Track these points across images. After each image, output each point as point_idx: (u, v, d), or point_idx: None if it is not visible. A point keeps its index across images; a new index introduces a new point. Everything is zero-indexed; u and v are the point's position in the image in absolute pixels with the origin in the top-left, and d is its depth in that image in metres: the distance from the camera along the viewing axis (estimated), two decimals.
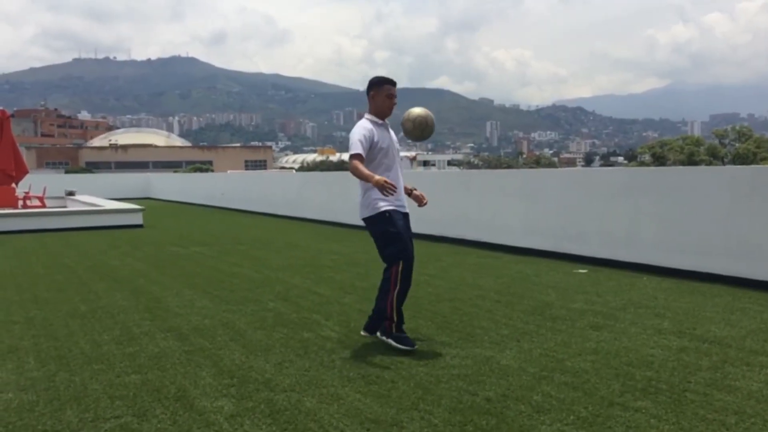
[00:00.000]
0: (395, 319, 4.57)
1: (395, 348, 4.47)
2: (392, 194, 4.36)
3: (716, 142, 60.02)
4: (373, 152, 4.58)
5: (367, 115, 4.75)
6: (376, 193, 4.50)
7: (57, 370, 4.18)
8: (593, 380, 3.80)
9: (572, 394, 3.57)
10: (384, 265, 4.62)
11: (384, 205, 4.54)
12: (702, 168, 10.93)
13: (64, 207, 19.06)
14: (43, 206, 18.49)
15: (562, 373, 3.94)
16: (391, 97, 4.72)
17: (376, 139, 4.59)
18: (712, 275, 6.86)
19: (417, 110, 4.69)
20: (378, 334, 4.68)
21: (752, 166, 24.95)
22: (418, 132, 4.66)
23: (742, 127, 62.50)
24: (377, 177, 4.32)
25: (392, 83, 4.75)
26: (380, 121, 4.72)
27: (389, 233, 4.54)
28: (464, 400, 3.50)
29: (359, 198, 4.72)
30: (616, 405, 3.41)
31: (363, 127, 4.61)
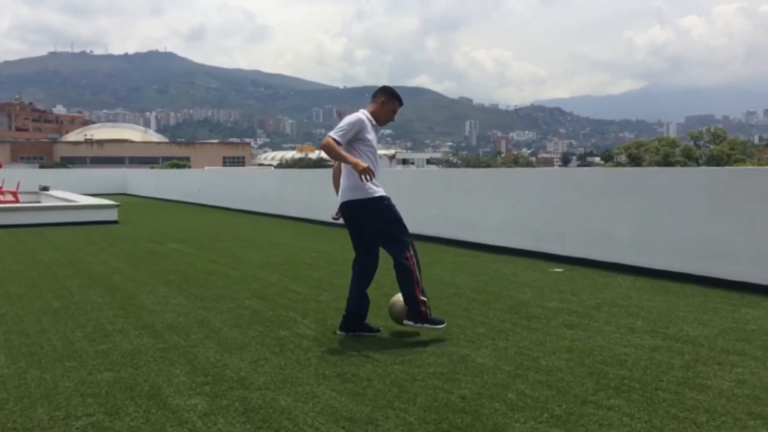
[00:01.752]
0: (427, 299, 4.63)
1: (433, 329, 4.58)
2: (369, 180, 4.44)
3: (691, 143, 60.80)
4: (362, 144, 4.64)
5: (365, 112, 4.80)
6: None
7: (28, 367, 4.12)
8: (567, 378, 3.83)
9: (546, 393, 3.59)
10: (389, 256, 4.68)
11: (380, 191, 4.64)
12: (679, 169, 11.08)
13: (38, 202, 18.82)
14: (17, 201, 18.24)
15: (536, 371, 3.97)
16: (394, 113, 4.95)
17: (369, 137, 4.70)
18: (686, 275, 6.94)
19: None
20: (411, 323, 4.60)
21: (727, 167, 25.29)
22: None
23: (716, 129, 63.44)
24: (359, 160, 4.42)
25: (402, 104, 5.00)
26: (375, 123, 4.84)
27: (392, 219, 4.65)
28: (439, 398, 3.51)
29: (347, 182, 4.70)
30: (590, 403, 3.44)
31: (361, 121, 4.67)
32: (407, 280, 4.61)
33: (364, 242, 4.84)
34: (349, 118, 4.68)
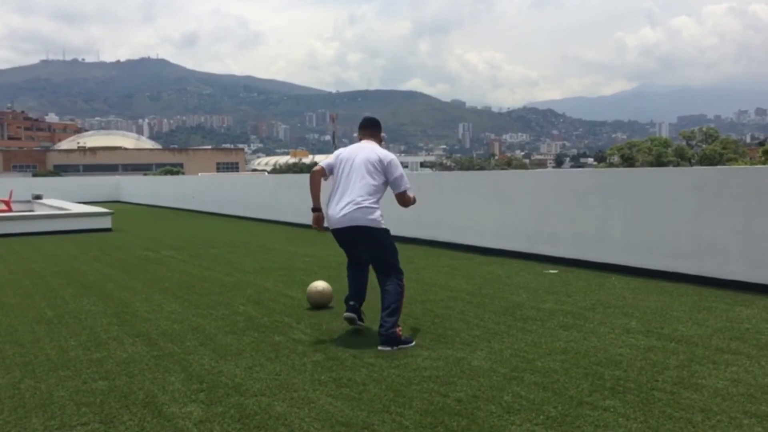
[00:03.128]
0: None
1: (407, 348, 4.61)
2: None
3: (683, 143, 61.01)
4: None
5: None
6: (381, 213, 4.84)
7: (22, 377, 4.10)
8: (563, 380, 3.83)
9: (542, 394, 3.60)
10: (386, 276, 4.80)
11: (385, 225, 4.86)
12: (669, 169, 11.10)
13: (31, 211, 18.74)
14: (10, 210, 18.16)
15: (532, 373, 3.97)
16: None
17: None
18: (679, 275, 6.97)
19: (322, 285, 6.00)
20: (388, 349, 4.55)
21: (717, 167, 25.38)
22: (323, 301, 5.92)
23: (708, 128, 63.62)
24: None
25: None
26: None
27: (394, 249, 4.88)
28: (435, 402, 3.51)
29: (365, 203, 4.74)
30: (585, 404, 3.44)
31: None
32: (397, 305, 4.70)
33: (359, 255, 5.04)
34: (399, 162, 4.92)
